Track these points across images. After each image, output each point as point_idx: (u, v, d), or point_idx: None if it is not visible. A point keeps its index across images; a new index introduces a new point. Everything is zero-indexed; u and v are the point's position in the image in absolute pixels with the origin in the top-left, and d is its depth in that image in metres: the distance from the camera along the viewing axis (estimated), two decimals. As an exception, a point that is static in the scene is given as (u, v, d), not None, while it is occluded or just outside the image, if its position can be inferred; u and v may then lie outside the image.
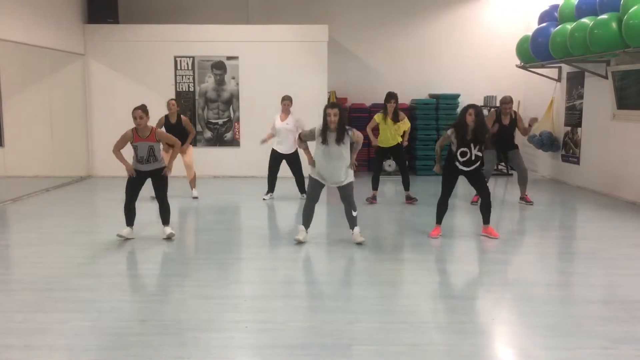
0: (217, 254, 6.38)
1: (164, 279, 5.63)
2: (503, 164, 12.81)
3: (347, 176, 6.65)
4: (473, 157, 6.77)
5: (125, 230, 6.90)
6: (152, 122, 7.21)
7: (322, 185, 6.73)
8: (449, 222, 7.75)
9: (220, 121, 12.24)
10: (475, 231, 7.32)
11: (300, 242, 6.69)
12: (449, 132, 6.82)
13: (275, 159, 9.40)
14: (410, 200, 9.34)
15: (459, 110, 12.50)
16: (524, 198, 9.24)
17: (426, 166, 12.72)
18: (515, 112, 9.15)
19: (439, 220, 7.12)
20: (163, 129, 8.76)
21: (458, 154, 6.77)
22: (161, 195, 6.96)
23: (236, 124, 12.24)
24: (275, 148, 9.36)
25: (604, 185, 10.20)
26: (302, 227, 6.80)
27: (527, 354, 3.93)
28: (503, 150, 9.21)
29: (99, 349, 3.93)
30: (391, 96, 9.01)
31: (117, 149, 6.82)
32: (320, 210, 8.54)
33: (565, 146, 11.60)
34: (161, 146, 7.02)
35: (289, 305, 4.81)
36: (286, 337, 4.13)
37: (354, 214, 6.76)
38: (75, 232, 7.40)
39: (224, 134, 12.27)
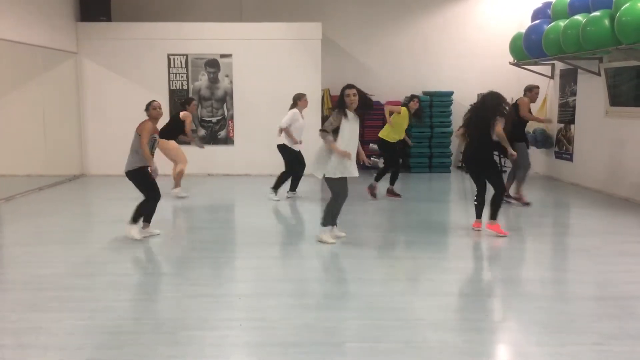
0: (210, 252, 6.37)
1: (157, 278, 5.62)
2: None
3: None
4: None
5: (142, 228, 6.89)
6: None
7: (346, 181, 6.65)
8: (442, 219, 7.77)
9: (214, 119, 12.22)
10: (467, 227, 7.34)
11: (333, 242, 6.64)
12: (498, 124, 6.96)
13: (299, 156, 9.30)
14: (372, 192, 9.40)
15: (452, 107, 12.68)
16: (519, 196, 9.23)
17: (420, 163, 12.72)
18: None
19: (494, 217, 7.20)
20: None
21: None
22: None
23: (230, 122, 12.22)
24: (294, 147, 9.16)
25: (597, 181, 10.24)
26: (330, 228, 6.72)
27: (521, 351, 3.95)
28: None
29: (93, 348, 3.93)
30: (413, 96, 9.37)
31: (146, 144, 6.62)
32: (315, 208, 8.56)
33: (559, 143, 11.64)
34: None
35: (282, 303, 4.81)
36: (280, 335, 4.13)
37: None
38: (69, 231, 7.38)
39: (218, 132, 12.25)
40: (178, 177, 9.57)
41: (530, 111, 9.14)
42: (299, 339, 4.06)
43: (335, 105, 6.54)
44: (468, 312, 4.66)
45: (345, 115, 6.36)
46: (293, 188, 9.49)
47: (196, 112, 9.35)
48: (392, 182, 9.43)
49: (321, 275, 5.77)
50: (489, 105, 6.98)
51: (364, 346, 3.95)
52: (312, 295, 5.07)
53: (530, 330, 4.24)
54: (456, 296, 5.04)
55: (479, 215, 7.20)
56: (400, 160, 9.94)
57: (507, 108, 7.01)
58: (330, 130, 6.36)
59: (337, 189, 6.55)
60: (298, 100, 9.14)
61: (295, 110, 9.07)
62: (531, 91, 9.11)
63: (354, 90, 6.37)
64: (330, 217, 6.70)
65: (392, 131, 9.12)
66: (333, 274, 5.76)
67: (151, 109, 6.78)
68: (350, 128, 6.40)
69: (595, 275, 5.63)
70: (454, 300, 4.90)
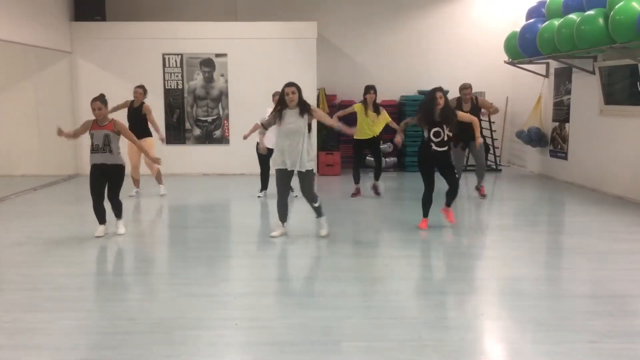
0: (205, 251, 6.37)
1: (152, 277, 5.61)
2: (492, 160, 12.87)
3: (309, 160, 6.66)
4: (445, 138, 7.00)
5: (100, 229, 6.89)
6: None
7: (289, 175, 6.74)
8: (435, 218, 7.77)
9: (209, 119, 12.21)
10: (462, 225, 7.36)
11: (276, 237, 6.84)
12: (415, 119, 7.06)
13: (263, 154, 9.25)
14: (375, 191, 9.44)
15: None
16: (479, 189, 9.32)
17: (415, 162, 12.70)
18: (476, 98, 9.22)
19: (425, 214, 7.28)
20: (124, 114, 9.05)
21: (432, 134, 6.96)
22: (113, 195, 6.86)
23: (225, 121, 12.21)
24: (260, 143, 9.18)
25: (591, 180, 10.27)
26: (279, 223, 6.94)
27: (516, 349, 3.95)
28: (465, 140, 8.94)
29: (88, 348, 3.92)
30: (370, 87, 9.10)
31: (75, 133, 6.83)
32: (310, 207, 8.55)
33: (553, 142, 11.67)
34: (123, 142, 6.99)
35: (278, 302, 4.82)
36: (276, 334, 4.12)
37: (316, 205, 6.85)
38: (63, 231, 7.34)
39: (213, 132, 12.24)
40: (159, 175, 9.63)
41: (472, 110, 8.97)
42: (294, 338, 4.06)
43: (277, 103, 6.74)
44: (463, 310, 4.67)
45: (281, 113, 6.56)
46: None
47: (143, 98, 9.24)
48: (376, 177, 9.54)
49: (316, 274, 5.78)
50: (422, 105, 7.17)
51: (360, 345, 3.95)
52: (307, 294, 5.08)
53: (525, 328, 4.25)
54: (451, 294, 5.05)
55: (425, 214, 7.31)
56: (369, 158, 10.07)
57: (437, 108, 6.92)
58: (266, 126, 6.86)
59: (275, 180, 6.84)
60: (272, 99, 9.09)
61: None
62: (460, 92, 9.11)
63: (293, 89, 6.55)
64: (278, 213, 6.92)
65: (358, 129, 9.13)
66: (328, 273, 5.75)
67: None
68: (289, 125, 6.51)
69: (590, 273, 5.65)
70: (448, 299, 4.90)
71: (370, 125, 9.12)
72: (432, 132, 6.95)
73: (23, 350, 3.89)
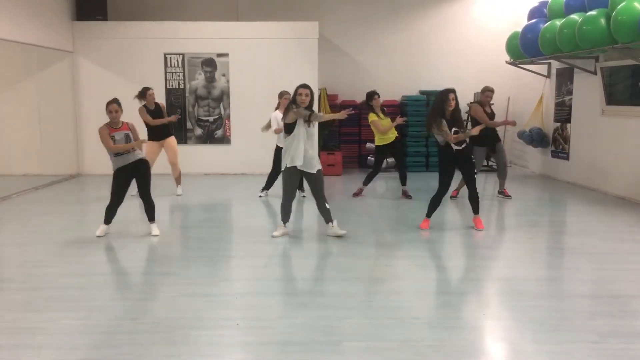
0: (207, 251, 6.37)
1: (153, 277, 5.61)
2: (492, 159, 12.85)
3: (319, 161, 6.83)
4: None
5: (103, 228, 6.95)
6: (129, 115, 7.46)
7: (299, 176, 6.82)
8: (440, 218, 7.77)
9: (210, 118, 12.21)
10: (464, 226, 7.35)
11: (278, 237, 6.89)
12: (443, 124, 6.95)
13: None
14: (406, 196, 9.44)
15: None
16: (502, 192, 9.37)
17: (417, 162, 12.73)
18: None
19: (429, 214, 7.32)
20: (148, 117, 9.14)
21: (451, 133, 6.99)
22: (145, 192, 6.98)
23: (227, 121, 12.21)
24: (279, 144, 9.02)
25: (593, 180, 10.26)
26: (281, 224, 6.99)
27: (517, 349, 3.95)
28: (491, 143, 9.09)
29: (89, 348, 3.92)
30: (374, 92, 9.20)
31: (111, 143, 6.73)
32: (312, 206, 8.55)
33: (555, 142, 11.66)
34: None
35: (279, 302, 4.81)
36: (277, 334, 4.12)
37: (328, 206, 6.87)
38: (65, 230, 7.36)
39: (214, 132, 12.24)
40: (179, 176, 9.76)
41: (491, 114, 9.10)
42: (295, 338, 4.05)
43: (291, 101, 6.71)
44: (464, 310, 4.66)
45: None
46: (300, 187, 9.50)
47: (153, 98, 9.19)
48: (403, 182, 9.51)
49: (318, 274, 5.77)
50: (432, 105, 7.19)
51: (361, 345, 3.94)
52: (308, 294, 5.07)
53: (526, 328, 4.24)
54: (452, 295, 5.04)
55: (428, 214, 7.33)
56: (393, 159, 10.08)
57: (448, 109, 6.96)
58: (312, 119, 6.55)
59: (283, 181, 6.83)
60: (280, 99, 9.03)
61: (277, 112, 8.99)
62: (483, 93, 9.12)
63: (307, 91, 6.59)
64: (282, 213, 6.94)
65: (381, 136, 9.20)
66: (330, 273, 5.76)
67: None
68: (307, 129, 6.61)
69: (591, 273, 5.65)
70: (449, 299, 4.90)
71: (390, 128, 9.22)
72: (452, 132, 7.00)
73: (23, 350, 3.89)
